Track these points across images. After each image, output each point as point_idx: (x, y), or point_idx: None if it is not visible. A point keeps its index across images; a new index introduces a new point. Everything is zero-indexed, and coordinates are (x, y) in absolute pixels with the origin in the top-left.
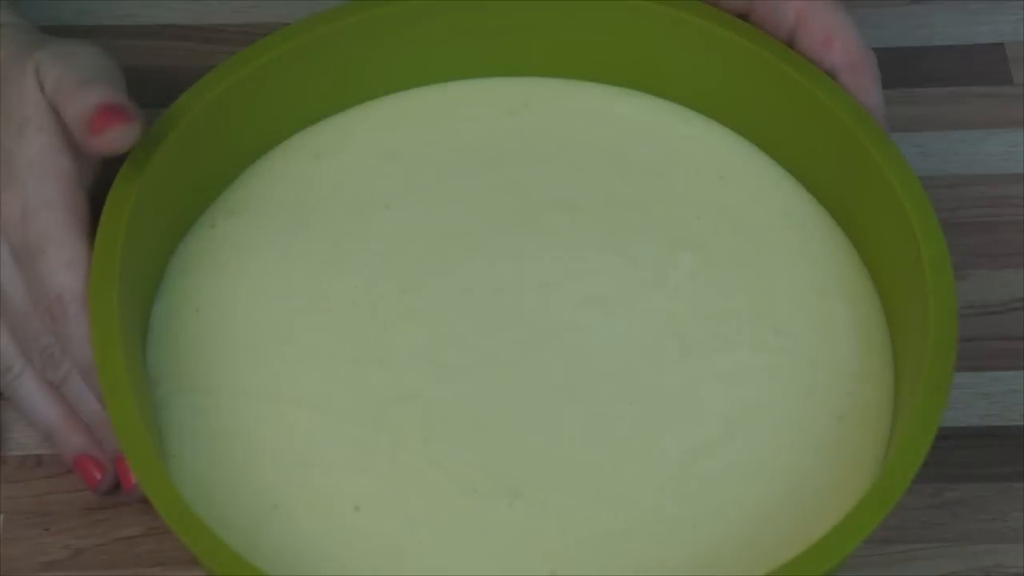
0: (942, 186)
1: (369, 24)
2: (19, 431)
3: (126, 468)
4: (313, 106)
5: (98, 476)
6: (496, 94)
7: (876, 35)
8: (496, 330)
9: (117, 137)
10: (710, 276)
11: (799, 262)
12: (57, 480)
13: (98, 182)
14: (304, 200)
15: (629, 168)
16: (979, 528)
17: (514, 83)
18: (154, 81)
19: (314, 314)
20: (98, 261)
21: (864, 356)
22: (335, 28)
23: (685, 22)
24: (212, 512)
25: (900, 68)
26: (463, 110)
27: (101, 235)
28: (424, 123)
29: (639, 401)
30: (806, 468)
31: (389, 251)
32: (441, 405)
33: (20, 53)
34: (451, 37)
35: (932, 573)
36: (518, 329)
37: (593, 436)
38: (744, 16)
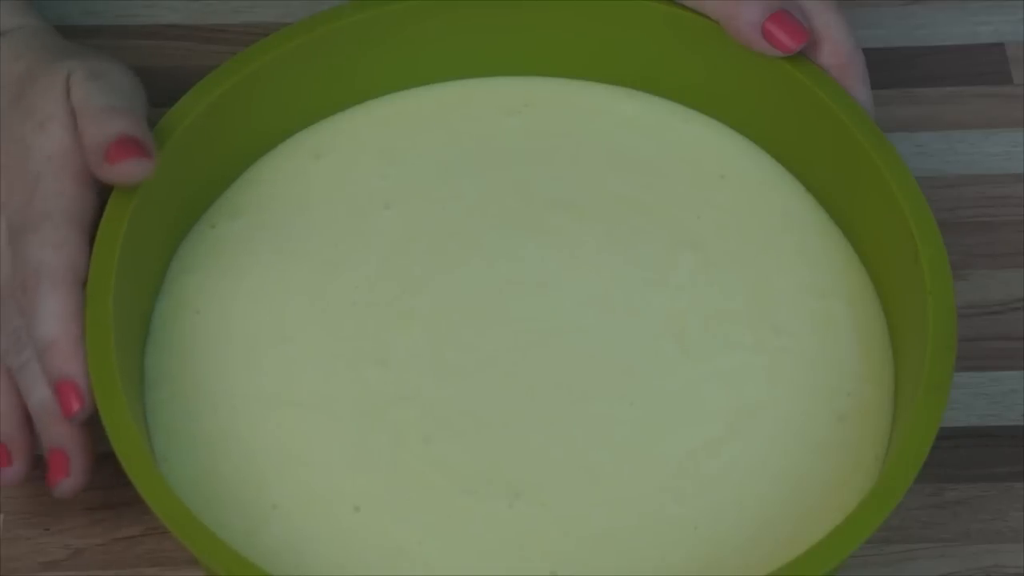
0: (942, 186)
1: (369, 24)
2: None
3: (58, 462)
4: (313, 106)
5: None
6: (496, 94)
7: (875, 35)
8: (496, 330)
9: (129, 171)
10: (710, 276)
11: (799, 262)
12: None
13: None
14: (304, 200)
15: (629, 168)
16: (979, 528)
17: (514, 83)
18: (155, 81)
19: (314, 314)
20: (97, 262)
21: (864, 356)
22: (335, 28)
23: (685, 21)
24: (211, 513)
25: (899, 68)
26: (463, 110)
27: (101, 235)
28: (424, 123)
29: (639, 401)
30: (806, 468)
31: (389, 251)
32: (441, 405)
33: (53, 57)
34: (451, 37)
35: (932, 573)
36: (518, 329)
37: (593, 436)
38: None
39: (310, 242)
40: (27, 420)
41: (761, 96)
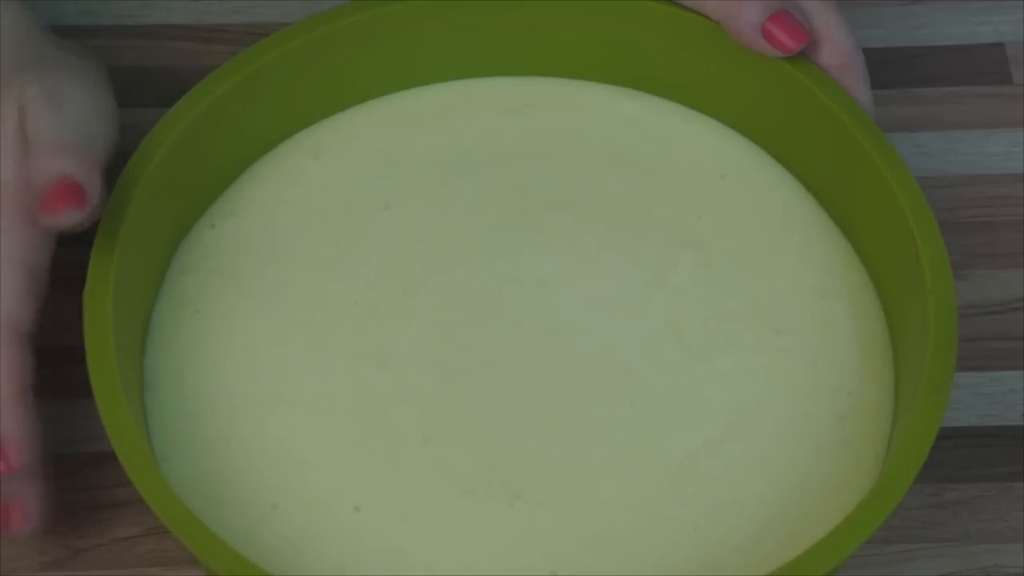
0: (942, 186)
1: (369, 24)
2: None
3: (12, 509)
4: (313, 106)
5: None
6: (496, 94)
7: (875, 35)
8: (496, 330)
9: (62, 220)
10: (710, 276)
11: (799, 262)
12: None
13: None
14: (304, 200)
15: (629, 168)
16: (979, 528)
17: (514, 83)
18: (154, 81)
19: (314, 314)
20: (96, 262)
21: (864, 356)
22: (335, 28)
23: (685, 21)
24: (211, 512)
25: (899, 68)
26: (463, 110)
27: (100, 235)
28: (424, 123)
29: (639, 401)
30: (806, 468)
31: (389, 251)
32: (441, 405)
33: (18, 66)
34: (451, 37)
35: (932, 573)
36: (518, 329)
37: (593, 436)
38: None
39: (310, 242)
40: None
41: (761, 96)
